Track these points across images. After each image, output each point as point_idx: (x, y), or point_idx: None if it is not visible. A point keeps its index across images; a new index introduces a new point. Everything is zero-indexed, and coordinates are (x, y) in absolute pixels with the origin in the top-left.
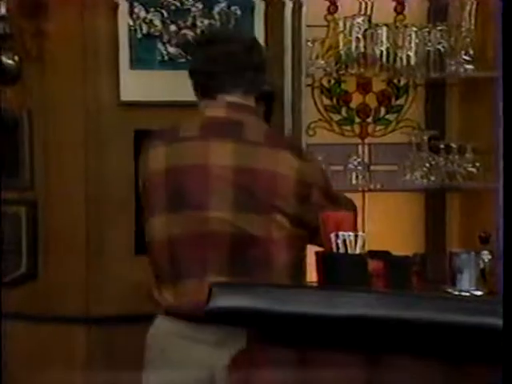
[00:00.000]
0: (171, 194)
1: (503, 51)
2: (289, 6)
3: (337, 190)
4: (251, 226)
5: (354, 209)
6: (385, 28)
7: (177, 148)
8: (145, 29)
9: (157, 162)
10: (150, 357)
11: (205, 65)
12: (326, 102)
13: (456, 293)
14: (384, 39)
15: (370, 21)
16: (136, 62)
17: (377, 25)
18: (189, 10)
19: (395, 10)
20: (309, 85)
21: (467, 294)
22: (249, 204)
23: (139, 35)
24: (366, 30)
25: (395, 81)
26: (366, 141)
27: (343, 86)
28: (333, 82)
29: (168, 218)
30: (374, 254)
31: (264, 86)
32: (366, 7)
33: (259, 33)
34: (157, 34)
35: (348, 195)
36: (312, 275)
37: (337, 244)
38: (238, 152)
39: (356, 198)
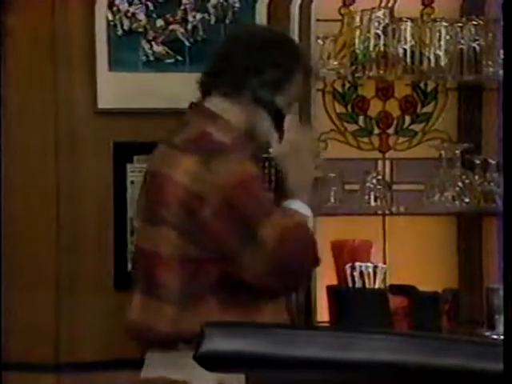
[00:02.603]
0: None
1: (504, 51)
2: None
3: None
4: (150, 240)
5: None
6: (409, 23)
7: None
8: (126, 24)
9: None
10: None
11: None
12: (340, 109)
13: (494, 336)
14: (408, 36)
15: (391, 14)
16: (116, 63)
17: (400, 19)
18: (179, 2)
19: (422, 1)
20: (319, 89)
21: None
22: (148, 214)
23: (120, 31)
24: (387, 25)
25: (421, 85)
26: (387, 155)
27: (360, 90)
28: (348, 86)
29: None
30: (396, 289)
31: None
32: None
33: None
34: (141, 30)
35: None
36: (323, 314)
37: (353, 277)
38: (159, 156)
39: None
